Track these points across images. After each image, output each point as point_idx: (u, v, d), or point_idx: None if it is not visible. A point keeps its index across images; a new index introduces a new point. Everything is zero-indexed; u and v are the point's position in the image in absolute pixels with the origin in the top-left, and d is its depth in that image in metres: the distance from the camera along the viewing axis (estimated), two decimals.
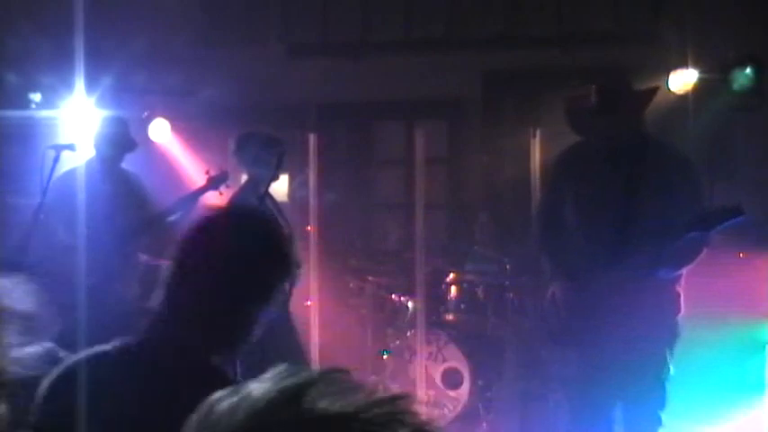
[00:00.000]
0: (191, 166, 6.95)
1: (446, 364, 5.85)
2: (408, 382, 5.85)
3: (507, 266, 6.22)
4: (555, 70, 7.31)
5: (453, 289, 6.28)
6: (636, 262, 3.81)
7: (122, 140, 5.40)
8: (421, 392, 5.76)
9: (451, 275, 6.32)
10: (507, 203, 7.28)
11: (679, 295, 4.01)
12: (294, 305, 5.34)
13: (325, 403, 0.78)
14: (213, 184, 5.34)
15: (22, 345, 2.15)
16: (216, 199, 5.43)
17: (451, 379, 5.83)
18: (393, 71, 7.56)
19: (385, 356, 6.08)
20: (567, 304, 4.00)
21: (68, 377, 1.83)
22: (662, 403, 3.96)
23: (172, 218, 5.34)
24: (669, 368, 3.96)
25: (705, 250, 3.89)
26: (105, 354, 1.86)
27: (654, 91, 4.16)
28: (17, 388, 1.90)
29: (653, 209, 3.93)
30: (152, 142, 6.94)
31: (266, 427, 0.77)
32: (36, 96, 6.63)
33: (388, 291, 6.46)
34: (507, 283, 6.13)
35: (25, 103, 6.52)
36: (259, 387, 0.81)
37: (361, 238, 7.37)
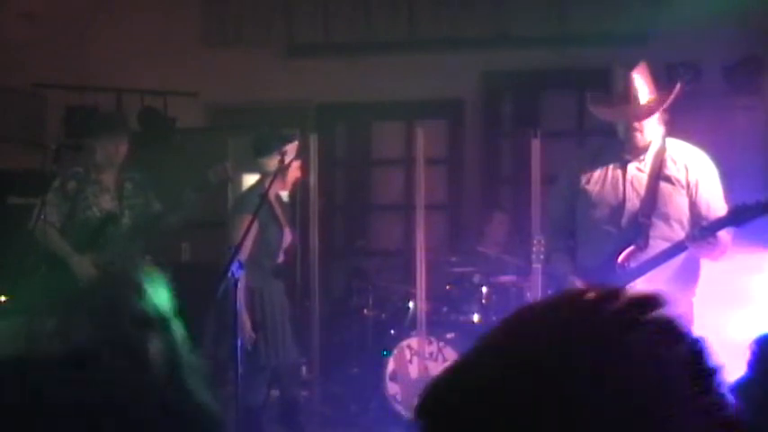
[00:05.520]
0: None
1: (446, 364, 5.84)
2: (408, 382, 5.86)
3: (510, 266, 6.22)
4: (555, 70, 7.32)
5: (454, 289, 6.29)
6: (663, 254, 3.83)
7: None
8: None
9: (453, 275, 6.32)
10: (507, 204, 7.28)
11: (692, 305, 4.00)
12: (295, 304, 5.35)
13: None
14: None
15: None
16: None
17: None
18: (393, 71, 7.55)
19: (385, 356, 6.08)
20: None
21: None
22: None
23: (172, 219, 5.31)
24: None
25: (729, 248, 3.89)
26: None
27: (672, 90, 4.09)
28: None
29: (674, 207, 3.94)
30: None
31: None
32: None
33: (388, 291, 6.46)
34: (510, 282, 6.14)
35: None
36: None
37: (362, 238, 7.37)
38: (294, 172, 5.06)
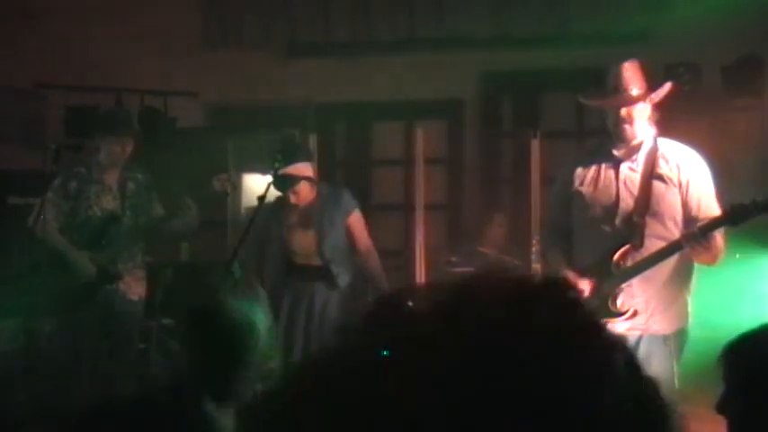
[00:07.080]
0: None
1: None
2: None
3: (509, 266, 6.23)
4: (555, 70, 7.31)
5: None
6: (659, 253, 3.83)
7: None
8: None
9: (453, 275, 6.32)
10: (507, 204, 7.28)
11: (688, 303, 4.00)
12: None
13: None
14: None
15: None
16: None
17: None
18: (393, 71, 7.56)
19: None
20: None
21: None
22: None
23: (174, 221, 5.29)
24: (675, 376, 3.95)
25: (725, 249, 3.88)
26: None
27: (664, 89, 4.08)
28: None
29: (668, 205, 3.94)
30: None
31: None
32: None
33: (388, 291, 6.46)
34: None
35: None
36: None
37: None
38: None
